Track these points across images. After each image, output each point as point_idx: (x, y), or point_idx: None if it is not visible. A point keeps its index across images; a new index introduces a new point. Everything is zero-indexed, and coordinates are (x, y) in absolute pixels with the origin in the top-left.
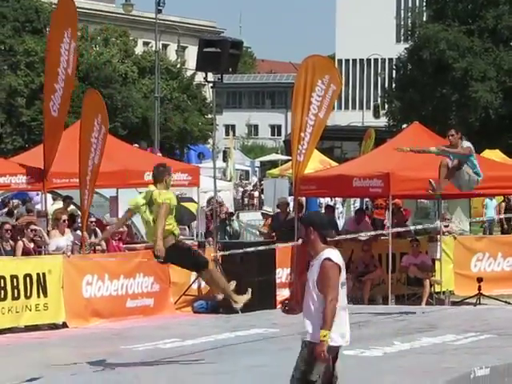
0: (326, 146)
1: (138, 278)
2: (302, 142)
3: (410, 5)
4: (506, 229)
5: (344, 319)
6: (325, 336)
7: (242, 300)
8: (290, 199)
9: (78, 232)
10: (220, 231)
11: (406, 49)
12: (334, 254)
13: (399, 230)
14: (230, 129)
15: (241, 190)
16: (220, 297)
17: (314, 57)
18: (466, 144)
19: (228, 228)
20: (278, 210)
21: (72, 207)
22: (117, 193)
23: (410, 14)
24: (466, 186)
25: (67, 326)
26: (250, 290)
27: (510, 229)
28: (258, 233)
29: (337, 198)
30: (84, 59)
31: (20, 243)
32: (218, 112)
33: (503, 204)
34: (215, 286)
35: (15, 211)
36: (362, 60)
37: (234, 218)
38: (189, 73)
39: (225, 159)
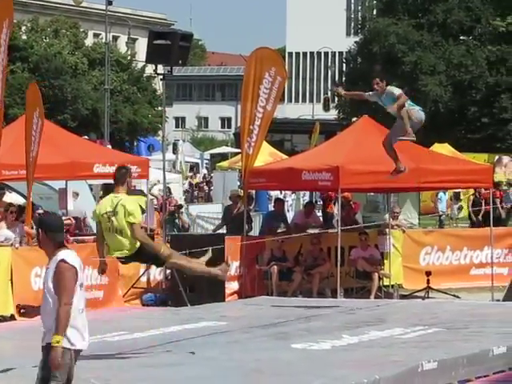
0: (275, 138)
1: (86, 271)
2: (251, 135)
3: None
4: (475, 222)
5: (82, 322)
6: (58, 342)
7: (224, 270)
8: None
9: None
10: (169, 224)
11: (356, 42)
12: (71, 256)
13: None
14: (180, 121)
15: (190, 182)
16: (224, 278)
17: (262, 49)
18: (396, 89)
19: (177, 221)
20: (230, 203)
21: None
22: (66, 185)
23: (360, 7)
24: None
25: (15, 319)
26: (209, 249)
27: (480, 222)
28: (208, 226)
29: (286, 191)
30: (34, 51)
31: None
32: (168, 104)
33: (471, 197)
34: (187, 271)
35: None
36: (312, 53)
37: (183, 210)
38: (139, 65)
39: (174, 151)
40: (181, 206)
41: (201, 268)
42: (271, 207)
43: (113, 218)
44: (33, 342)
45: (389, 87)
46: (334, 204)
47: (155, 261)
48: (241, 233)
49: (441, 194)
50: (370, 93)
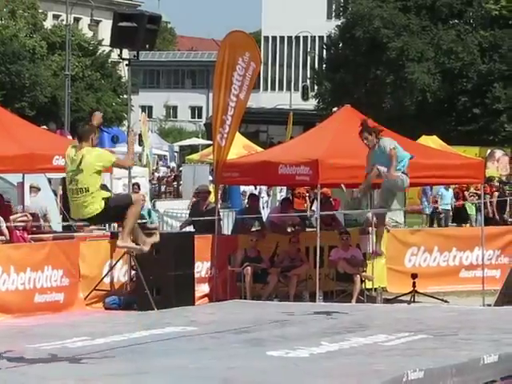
0: (250, 129)
1: (46, 271)
2: (224, 126)
3: None
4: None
5: None
6: None
7: (150, 242)
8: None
9: None
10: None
11: (337, 26)
12: None
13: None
14: (146, 110)
15: (157, 176)
16: (146, 248)
17: (235, 33)
18: (388, 142)
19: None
20: (198, 199)
21: None
22: (23, 178)
23: None
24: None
25: None
26: (157, 232)
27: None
28: (177, 224)
29: (262, 187)
30: None
31: None
32: (134, 92)
33: (496, 193)
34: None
35: None
36: (290, 37)
37: (150, 206)
38: (102, 49)
39: (140, 143)
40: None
41: (136, 229)
42: (245, 204)
43: (77, 177)
44: None
45: (383, 138)
46: (312, 201)
47: (121, 213)
48: (209, 232)
49: (442, 189)
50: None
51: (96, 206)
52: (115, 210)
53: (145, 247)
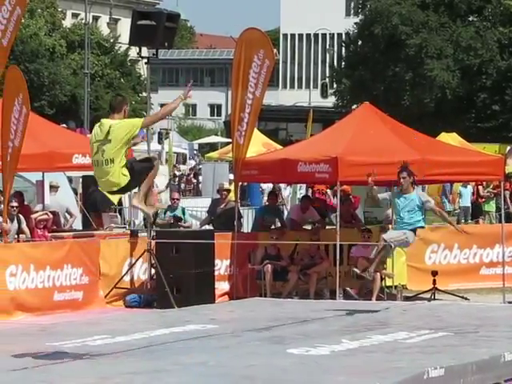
0: (270, 127)
1: (65, 270)
2: (242, 123)
3: None
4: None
5: None
6: None
7: (157, 207)
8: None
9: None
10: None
11: (356, 23)
12: None
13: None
14: None
15: (177, 174)
16: (150, 211)
17: (250, 30)
18: (428, 201)
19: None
20: (218, 196)
21: None
22: (43, 177)
23: None
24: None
25: None
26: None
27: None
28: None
29: (280, 184)
30: None
31: None
32: (153, 90)
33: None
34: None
35: None
36: (308, 35)
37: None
38: (122, 48)
39: (160, 141)
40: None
41: (148, 190)
42: (263, 201)
43: (104, 147)
44: (8, 345)
45: (423, 193)
46: (333, 197)
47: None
48: (228, 229)
49: (460, 187)
50: (386, 194)
51: (122, 177)
52: (139, 176)
53: (150, 210)
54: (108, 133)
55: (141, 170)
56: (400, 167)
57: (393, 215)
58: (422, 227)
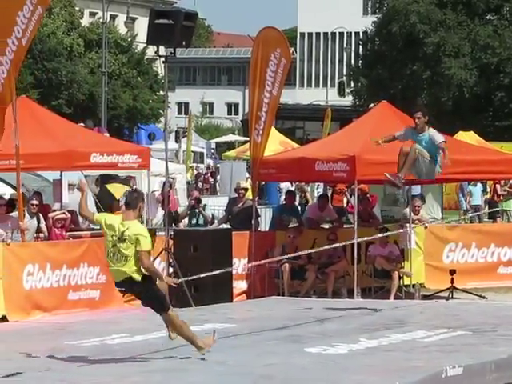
0: (287, 126)
1: (81, 269)
2: (259, 122)
3: None
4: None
5: None
6: None
7: (207, 344)
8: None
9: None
10: (191, 218)
11: (373, 22)
12: None
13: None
14: (183, 107)
15: (194, 173)
16: (173, 336)
17: (267, 29)
18: (438, 136)
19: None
20: (235, 195)
21: (13, 191)
22: (61, 176)
23: None
24: (427, 173)
25: (7, 320)
26: (215, 332)
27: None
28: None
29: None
30: None
31: None
32: (171, 89)
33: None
34: (175, 330)
35: None
36: (326, 33)
37: (204, 203)
38: (139, 47)
39: (177, 140)
40: (200, 200)
41: (190, 337)
42: (282, 200)
43: (119, 245)
44: (26, 345)
45: (432, 130)
46: (351, 196)
47: (157, 304)
48: (245, 228)
49: (470, 186)
50: (402, 131)
51: (135, 274)
52: (150, 294)
53: (201, 352)
54: (124, 232)
55: (153, 296)
56: (415, 106)
57: (410, 214)
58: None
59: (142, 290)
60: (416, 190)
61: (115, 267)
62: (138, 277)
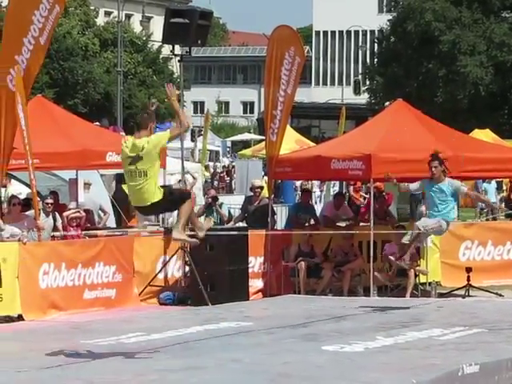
0: (302, 124)
1: (97, 268)
2: (275, 121)
3: None
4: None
5: None
6: None
7: (205, 228)
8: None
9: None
10: (208, 216)
11: (388, 20)
12: None
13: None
14: (198, 106)
15: (211, 171)
16: (201, 234)
17: (281, 28)
18: (458, 183)
19: (215, 214)
20: (251, 194)
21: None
22: (76, 175)
23: None
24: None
25: (23, 319)
26: (211, 219)
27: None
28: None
29: (313, 181)
30: None
31: None
32: (186, 88)
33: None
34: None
35: None
36: (341, 32)
37: (221, 202)
38: (155, 46)
39: (193, 139)
40: (217, 198)
41: (192, 216)
42: (297, 198)
43: (136, 163)
44: (42, 344)
45: (454, 180)
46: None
47: (177, 204)
48: (261, 226)
49: (484, 184)
50: (417, 185)
51: (155, 194)
52: (172, 202)
53: (200, 233)
54: (140, 150)
55: (176, 196)
56: (431, 156)
57: (426, 212)
58: (453, 219)
59: (167, 206)
60: None
61: (135, 187)
62: (157, 197)
